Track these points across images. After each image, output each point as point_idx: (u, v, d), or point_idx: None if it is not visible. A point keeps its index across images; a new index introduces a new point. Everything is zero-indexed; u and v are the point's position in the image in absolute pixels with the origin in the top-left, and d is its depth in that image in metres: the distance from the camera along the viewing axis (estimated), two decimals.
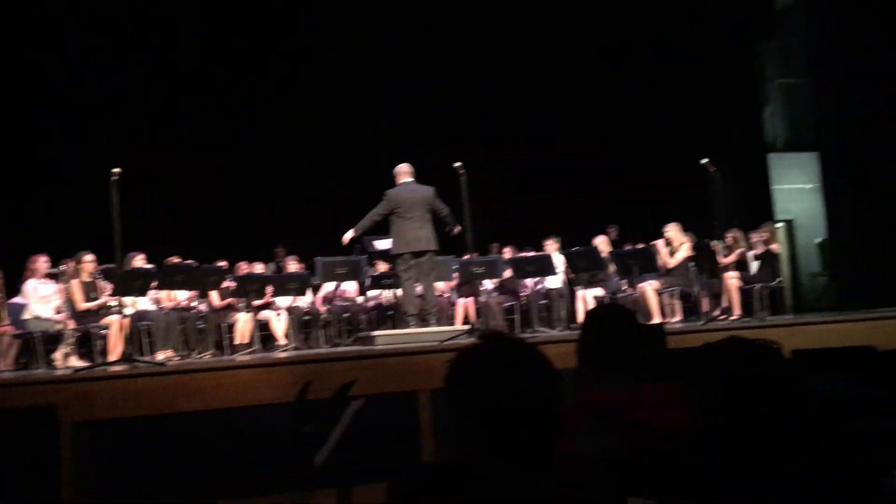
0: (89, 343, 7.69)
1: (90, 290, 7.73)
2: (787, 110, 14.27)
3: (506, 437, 1.44)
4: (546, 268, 8.98)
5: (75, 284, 7.62)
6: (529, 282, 9.36)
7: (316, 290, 9.71)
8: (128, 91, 10.85)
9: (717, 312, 8.65)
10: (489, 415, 1.44)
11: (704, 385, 1.46)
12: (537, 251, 10.01)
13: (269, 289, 8.76)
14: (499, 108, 12.42)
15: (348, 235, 7.83)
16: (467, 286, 9.29)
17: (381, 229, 7.96)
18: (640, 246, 9.44)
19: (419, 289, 7.83)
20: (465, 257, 8.39)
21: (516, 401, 1.44)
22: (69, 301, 7.57)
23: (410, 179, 7.71)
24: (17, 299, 8.05)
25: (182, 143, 11.10)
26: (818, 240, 12.92)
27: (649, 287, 8.72)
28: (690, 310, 9.28)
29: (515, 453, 1.44)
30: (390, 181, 7.85)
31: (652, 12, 12.09)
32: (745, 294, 8.91)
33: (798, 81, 13.82)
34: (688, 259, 8.92)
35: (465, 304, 9.45)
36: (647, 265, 8.59)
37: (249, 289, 8.40)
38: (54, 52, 10.47)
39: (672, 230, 9.00)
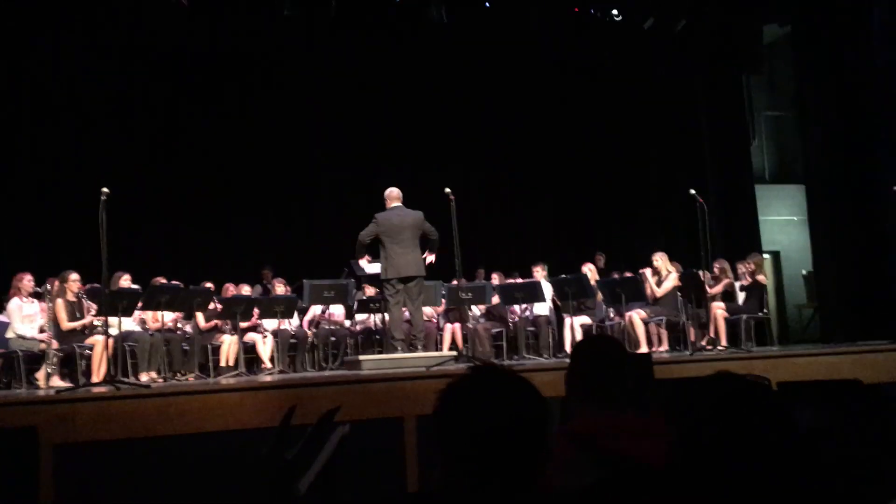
0: (73, 363, 7.62)
1: (75, 310, 7.68)
2: (775, 142, 14.45)
3: (493, 470, 1.43)
4: (534, 294, 8.99)
5: (60, 304, 7.57)
6: (517, 308, 9.36)
7: (303, 312, 9.68)
8: (119, 112, 10.86)
9: (703, 342, 8.67)
10: (478, 448, 1.44)
11: (691, 418, 1.47)
12: (525, 278, 10.03)
13: (256, 311, 8.73)
14: (489, 135, 12.51)
15: (364, 262, 7.89)
16: (455, 311, 9.28)
17: (370, 253, 7.96)
18: (628, 275, 9.48)
19: (407, 313, 7.81)
20: (454, 283, 8.40)
21: (507, 436, 1.44)
22: (53, 320, 7.52)
23: (399, 204, 7.73)
24: None
25: (171, 165, 11.11)
26: (804, 271, 13.01)
27: (636, 316, 8.75)
28: (677, 339, 9.30)
29: (502, 486, 1.44)
30: (378, 205, 7.86)
31: (642, 45, 12.23)
32: (732, 324, 8.94)
33: (785, 115, 14.00)
34: (675, 288, 8.96)
35: (452, 330, 9.43)
36: (634, 294, 8.62)
37: (236, 311, 8.36)
38: (46, 69, 10.47)
39: (660, 259, 9.04)
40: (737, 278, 9.35)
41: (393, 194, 7.76)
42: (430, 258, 7.71)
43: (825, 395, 3.66)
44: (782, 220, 13.75)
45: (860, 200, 10.46)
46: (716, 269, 9.21)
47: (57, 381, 7.25)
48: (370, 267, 8.15)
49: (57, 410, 4.61)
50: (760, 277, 9.06)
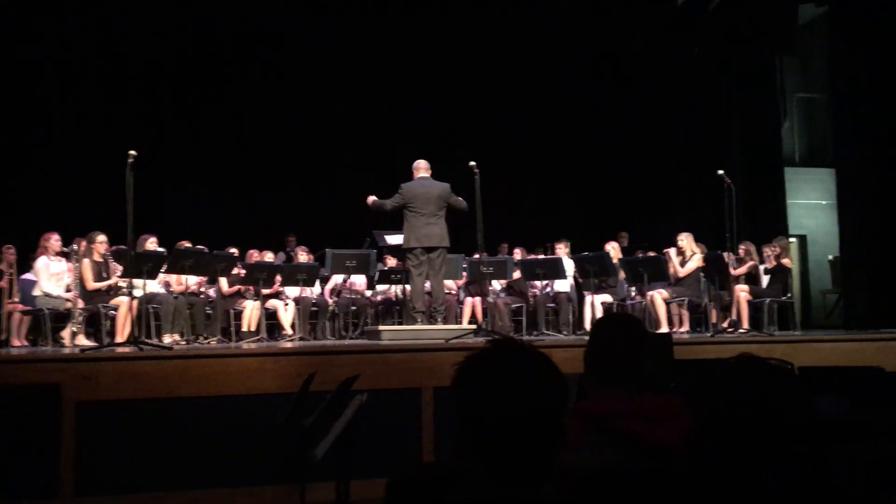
0: (97, 323, 7.72)
1: (101, 271, 7.76)
2: (806, 125, 14.20)
3: (509, 445, 1.42)
4: (555, 271, 8.95)
5: (86, 264, 7.64)
6: (538, 284, 9.33)
7: (325, 281, 9.72)
8: (148, 75, 10.88)
9: (725, 324, 8.60)
10: (495, 422, 1.43)
11: (713, 400, 1.44)
12: (547, 254, 9.98)
13: (278, 278, 8.77)
14: (517, 110, 12.41)
15: (371, 199, 7.81)
16: (476, 285, 9.28)
17: (394, 224, 7.95)
18: (651, 254, 9.40)
19: (428, 285, 7.82)
20: (475, 256, 8.38)
21: (524, 410, 1.43)
22: (79, 280, 7.60)
23: (426, 175, 7.71)
24: (28, 276, 8.09)
25: (200, 131, 11.14)
26: (830, 257, 12.84)
27: (658, 295, 8.69)
28: (698, 321, 9.24)
29: (517, 462, 1.43)
30: (403, 176, 7.85)
31: (674, 23, 12.03)
32: (754, 308, 8.86)
33: (817, 97, 13.74)
34: (699, 269, 8.88)
35: (472, 303, 9.44)
36: (657, 273, 8.55)
37: (258, 277, 8.41)
38: (79, 32, 10.50)
39: (684, 239, 8.96)
40: (762, 261, 9.24)
41: (421, 165, 7.76)
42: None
43: (847, 381, 3.61)
44: (810, 204, 13.55)
45: (891, 186, 10.26)
46: (741, 252, 9.11)
47: (82, 340, 7.35)
48: (393, 237, 8.15)
49: (80, 369, 4.68)
50: (786, 261, 8.96)
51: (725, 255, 8.46)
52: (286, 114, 11.49)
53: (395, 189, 7.73)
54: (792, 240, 12.40)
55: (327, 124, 11.65)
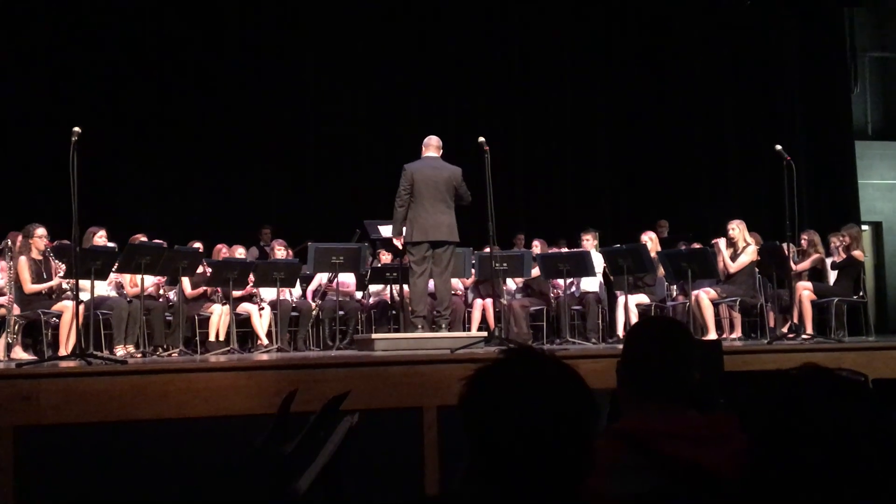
0: (37, 332, 7.73)
1: (40, 270, 7.77)
2: (881, 90, 14.14)
3: (529, 473, 1.43)
4: (582, 267, 8.95)
5: (23, 262, 7.65)
6: (561, 283, 9.33)
7: (307, 281, 9.71)
8: (97, 40, 10.87)
9: (784, 329, 8.59)
10: (512, 447, 1.43)
11: (771, 419, 1.44)
12: (572, 247, 9.98)
13: (252, 278, 8.78)
14: (533, 77, 12.41)
15: (397, 243, 7.81)
16: (487, 285, 9.27)
17: (389, 212, 7.94)
18: (697, 246, 9.39)
19: (431, 285, 7.82)
20: (486, 250, 8.38)
21: (546, 432, 1.43)
22: (15, 282, 7.61)
23: (436, 155, 7.69)
24: None
25: (158, 103, 11.14)
26: None
27: (705, 295, 8.68)
28: (753, 325, 9.22)
29: (539, 493, 1.43)
30: (403, 155, 7.83)
31: None
32: (820, 309, 8.84)
33: (894, 56, 13.70)
34: (753, 264, 8.87)
35: (483, 306, 9.43)
36: (703, 269, 8.54)
37: (228, 276, 8.41)
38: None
39: (736, 228, 8.94)
40: (828, 254, 9.22)
41: (432, 142, 7.74)
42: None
43: None
44: (886, 185, 13.52)
45: None
46: (803, 242, 9.09)
47: (19, 353, 7.37)
48: (388, 229, 8.14)
49: (18, 387, 4.68)
50: (857, 253, 8.94)
51: (785, 246, 8.45)
52: (259, 82, 11.49)
53: (390, 171, 7.71)
54: (864, 227, 12.38)
55: (308, 95, 11.65)
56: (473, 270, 9.37)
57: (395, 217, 7.66)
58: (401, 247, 7.80)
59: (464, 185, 7.64)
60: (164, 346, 8.39)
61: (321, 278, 9.72)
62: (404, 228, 7.67)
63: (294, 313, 9.26)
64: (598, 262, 9.22)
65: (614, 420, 2.28)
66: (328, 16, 11.65)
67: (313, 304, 9.49)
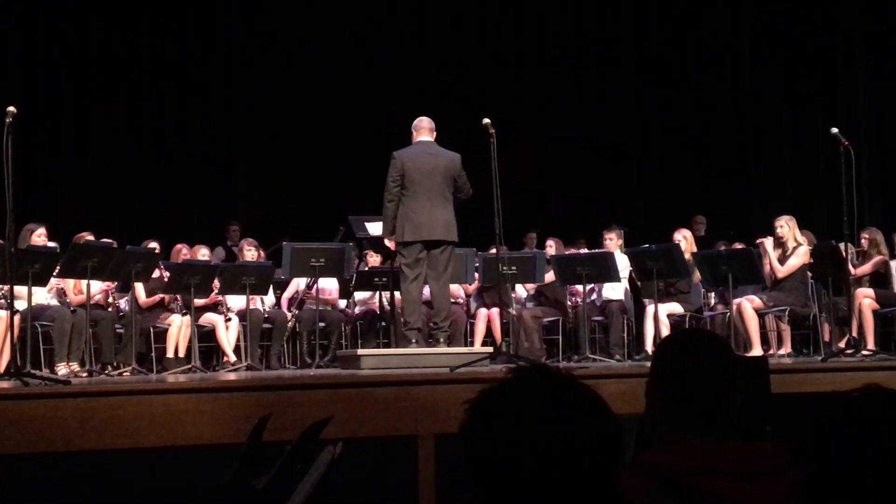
0: None
1: None
2: None
3: None
4: (604, 271, 8.95)
5: None
6: (580, 290, 9.34)
7: (281, 287, 9.71)
8: (35, 11, 10.87)
9: (842, 344, 8.59)
10: (521, 481, 1.43)
11: (828, 449, 1.44)
12: (593, 247, 9.98)
13: (217, 283, 8.79)
14: (547, 50, 12.43)
15: (388, 244, 7.82)
16: (493, 292, 9.28)
17: (377, 206, 7.94)
18: (739, 246, 9.39)
19: (427, 291, 7.82)
20: (492, 251, 8.38)
21: (561, 465, 1.43)
22: None
23: (430, 140, 7.68)
24: None
25: (108, 80, 11.14)
26: None
27: (749, 304, 8.69)
28: (805, 338, 9.22)
29: None
30: (394, 144, 7.82)
31: None
32: (884, 320, 8.84)
33: None
34: (805, 267, 8.87)
35: (488, 317, 9.44)
36: (747, 273, 8.55)
37: (189, 282, 8.41)
38: None
39: (786, 225, 8.94)
40: (893, 255, 9.22)
41: (423, 125, 7.71)
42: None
43: None
44: None
45: None
46: (864, 242, 9.09)
47: None
48: (377, 226, 8.14)
49: None
50: None
51: (842, 246, 8.45)
52: (226, 58, 11.50)
53: (379, 161, 7.71)
54: None
55: (283, 73, 11.65)
56: (477, 275, 9.37)
57: (385, 214, 7.64)
58: (393, 248, 7.80)
59: (464, 174, 7.62)
60: (114, 364, 8.39)
61: (298, 284, 9.71)
62: (396, 226, 7.67)
63: (266, 325, 9.26)
64: (624, 265, 9.22)
65: (642, 451, 2.28)
66: None
67: (289, 315, 9.49)
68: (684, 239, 9.38)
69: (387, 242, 7.83)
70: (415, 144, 7.67)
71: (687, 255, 9.02)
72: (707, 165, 12.47)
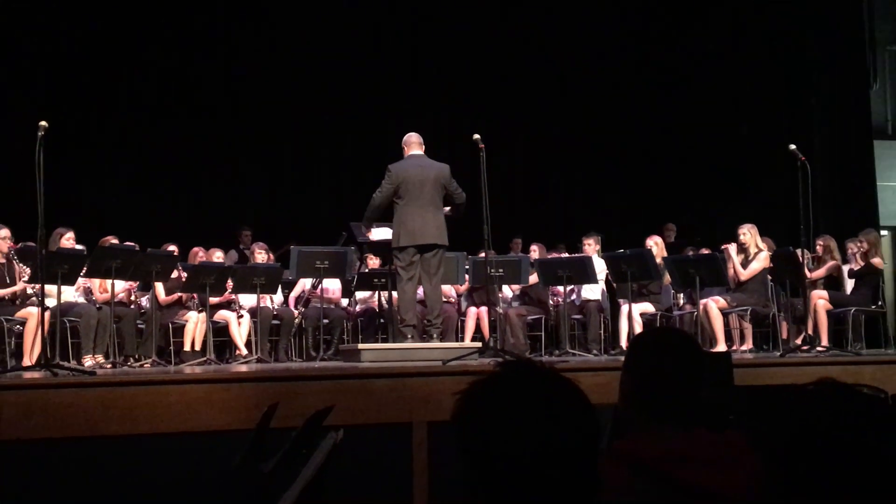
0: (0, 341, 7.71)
1: (3, 274, 7.75)
2: None
3: (528, 494, 1.42)
4: (583, 274, 8.95)
5: None
6: (561, 290, 9.33)
7: (289, 287, 9.70)
8: (66, 30, 10.84)
9: (798, 341, 8.60)
10: (509, 466, 1.42)
11: (786, 439, 1.43)
12: (573, 252, 9.98)
13: (230, 283, 8.77)
14: (531, 69, 12.41)
15: (369, 235, 7.86)
16: (482, 292, 9.27)
17: (381, 216, 7.93)
18: (705, 251, 9.40)
19: (421, 291, 7.81)
20: (481, 255, 8.37)
21: (545, 451, 1.42)
22: None
23: (420, 153, 7.70)
24: None
25: (130, 96, 11.12)
26: None
27: (714, 304, 8.69)
28: (765, 336, 9.23)
29: None
30: (392, 154, 7.83)
31: None
32: (837, 319, 8.85)
33: None
34: (765, 271, 8.88)
35: (477, 315, 9.43)
36: (712, 276, 8.55)
37: (204, 282, 8.40)
38: None
39: (748, 233, 8.96)
40: (845, 260, 9.24)
41: (412, 140, 7.75)
42: (447, 210, 7.71)
43: None
44: None
45: None
46: (819, 248, 9.11)
47: None
48: (377, 231, 8.14)
49: None
50: (876, 260, 8.96)
51: (799, 252, 8.46)
52: (239, 74, 11.47)
53: (377, 170, 7.72)
54: (884, 233, 12.42)
55: (291, 89, 11.62)
56: (467, 277, 9.37)
57: (371, 205, 7.66)
58: (370, 235, 7.88)
59: (454, 182, 7.64)
60: (136, 357, 8.38)
61: (304, 284, 9.70)
62: (387, 229, 7.69)
63: (275, 322, 9.24)
64: (601, 268, 9.23)
65: (616, 438, 2.28)
66: (310, 4, 11.63)
67: (296, 312, 9.48)
68: (656, 245, 9.41)
69: (364, 232, 7.93)
70: (407, 158, 7.71)
71: (658, 260, 9.04)
72: (677, 177, 12.48)
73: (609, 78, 12.60)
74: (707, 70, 12.64)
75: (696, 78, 12.63)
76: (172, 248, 8.96)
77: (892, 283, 12.88)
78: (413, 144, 7.75)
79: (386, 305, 9.04)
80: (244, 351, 8.73)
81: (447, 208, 7.72)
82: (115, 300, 8.24)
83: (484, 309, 9.24)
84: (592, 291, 9.45)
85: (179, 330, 8.74)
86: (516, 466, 1.43)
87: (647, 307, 9.14)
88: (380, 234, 8.08)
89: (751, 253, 8.90)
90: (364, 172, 10.42)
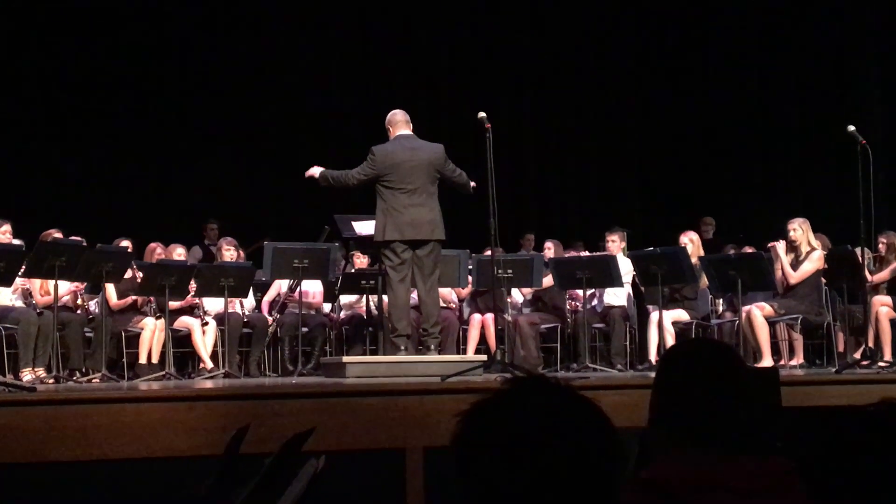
0: None
1: None
2: None
3: None
4: (606, 275, 8.96)
5: None
6: (580, 295, 9.34)
7: (262, 290, 9.70)
8: (12, 16, 10.85)
9: (857, 355, 8.60)
10: (516, 498, 1.43)
11: (840, 468, 1.45)
12: (594, 250, 9.98)
13: (193, 285, 8.78)
14: (547, 42, 12.43)
15: (314, 171, 7.84)
16: (487, 297, 9.28)
17: (367, 205, 7.93)
18: (749, 250, 9.41)
19: (415, 295, 7.82)
20: (487, 253, 8.38)
21: (558, 480, 1.43)
22: None
23: (408, 132, 7.68)
24: None
25: (72, 69, 11.11)
26: None
27: (759, 312, 8.70)
28: (818, 349, 9.23)
29: None
30: (381, 137, 7.82)
31: None
32: None
33: None
34: (818, 273, 8.88)
35: (482, 323, 9.43)
36: (757, 279, 8.57)
37: (164, 283, 8.40)
38: None
39: (799, 228, 8.95)
40: None
41: (398, 118, 7.71)
42: (472, 185, 7.74)
43: None
44: None
45: None
46: (881, 247, 9.11)
47: None
48: (364, 225, 8.14)
49: None
50: None
51: (859, 251, 8.47)
52: (204, 43, 11.48)
53: (365, 152, 7.72)
54: None
55: (265, 61, 11.64)
56: (470, 278, 9.37)
57: (341, 177, 7.73)
58: (308, 175, 7.94)
59: (450, 163, 7.62)
60: (83, 370, 8.38)
61: (280, 286, 9.70)
62: (370, 222, 7.73)
63: (246, 330, 9.25)
64: (626, 269, 9.23)
65: (644, 466, 2.29)
66: None
67: (270, 319, 9.48)
68: (691, 242, 9.40)
69: (313, 174, 7.92)
70: (394, 139, 7.65)
71: (694, 259, 9.04)
72: (715, 164, 12.48)
73: (637, 50, 12.61)
74: (753, 44, 12.64)
75: (741, 53, 12.62)
76: (126, 243, 8.96)
77: None
78: (399, 123, 7.70)
79: (375, 312, 9.04)
80: (209, 364, 8.72)
81: (472, 185, 7.69)
82: (59, 304, 8.25)
83: (490, 316, 9.25)
84: (617, 296, 9.44)
85: (134, 339, 8.74)
86: (526, 500, 1.44)
87: (681, 315, 9.14)
88: (368, 227, 8.05)
89: (802, 252, 8.90)
90: (350, 157, 10.40)
